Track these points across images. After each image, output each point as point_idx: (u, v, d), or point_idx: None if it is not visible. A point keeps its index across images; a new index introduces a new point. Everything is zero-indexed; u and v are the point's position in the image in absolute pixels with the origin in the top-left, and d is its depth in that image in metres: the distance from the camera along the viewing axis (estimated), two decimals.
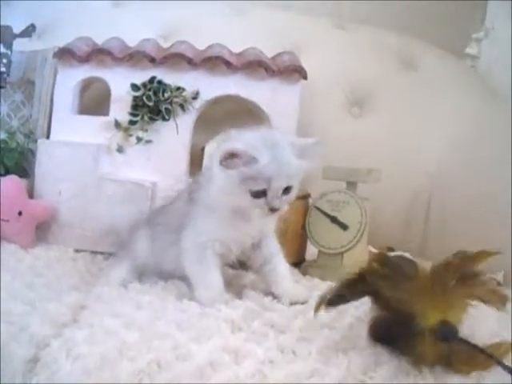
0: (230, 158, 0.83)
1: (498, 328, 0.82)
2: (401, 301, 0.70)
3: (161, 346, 0.71)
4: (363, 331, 0.80)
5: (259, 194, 0.85)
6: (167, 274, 1.02)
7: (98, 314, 0.83)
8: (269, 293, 0.95)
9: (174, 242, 0.97)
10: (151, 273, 1.03)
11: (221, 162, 0.84)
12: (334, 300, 0.75)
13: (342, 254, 1.12)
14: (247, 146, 0.84)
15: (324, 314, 0.86)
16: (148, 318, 0.81)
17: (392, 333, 0.72)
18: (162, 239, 1.01)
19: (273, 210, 0.86)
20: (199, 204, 0.94)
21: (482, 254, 0.73)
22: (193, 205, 0.95)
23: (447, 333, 0.68)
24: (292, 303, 0.92)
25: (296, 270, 1.16)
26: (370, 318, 0.76)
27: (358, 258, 1.15)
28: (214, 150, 0.92)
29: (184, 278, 0.97)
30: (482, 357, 0.68)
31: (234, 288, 0.99)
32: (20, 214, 1.18)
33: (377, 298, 0.74)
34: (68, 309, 0.84)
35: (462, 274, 0.72)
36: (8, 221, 1.17)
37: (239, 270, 1.06)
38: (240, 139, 0.87)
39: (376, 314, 0.75)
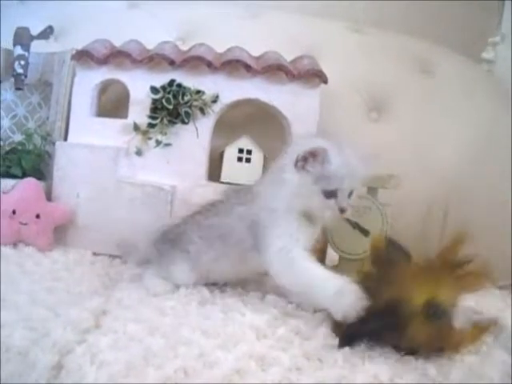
0: (307, 159, 0.87)
1: None
2: (390, 288, 0.75)
3: (187, 353, 0.70)
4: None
5: (330, 195, 0.88)
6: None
7: (121, 319, 0.81)
8: None
9: (227, 254, 0.96)
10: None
11: (296, 164, 0.88)
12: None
13: (362, 259, 1.10)
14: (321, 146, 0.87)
15: None
16: (172, 324, 0.80)
17: (375, 325, 0.75)
18: (213, 252, 0.97)
19: (342, 210, 0.89)
20: (262, 217, 0.93)
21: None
22: (253, 225, 0.93)
23: (435, 310, 0.72)
24: (316, 310, 0.90)
25: None
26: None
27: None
28: (281, 158, 0.95)
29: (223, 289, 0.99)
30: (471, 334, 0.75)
31: (256, 293, 0.98)
32: (38, 216, 1.18)
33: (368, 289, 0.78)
34: (90, 314, 0.82)
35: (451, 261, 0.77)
36: (26, 224, 1.17)
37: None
38: (312, 142, 0.89)
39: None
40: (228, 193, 1.04)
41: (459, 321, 0.75)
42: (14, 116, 1.43)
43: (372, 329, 0.75)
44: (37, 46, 1.44)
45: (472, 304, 1.02)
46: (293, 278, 0.88)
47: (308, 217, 0.91)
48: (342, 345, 0.76)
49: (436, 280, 0.75)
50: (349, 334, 0.76)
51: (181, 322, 0.80)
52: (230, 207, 0.99)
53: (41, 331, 0.75)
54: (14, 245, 1.16)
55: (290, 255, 0.88)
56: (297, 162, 0.88)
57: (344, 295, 0.79)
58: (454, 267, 0.77)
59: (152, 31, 1.56)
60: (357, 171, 0.89)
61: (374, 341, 0.76)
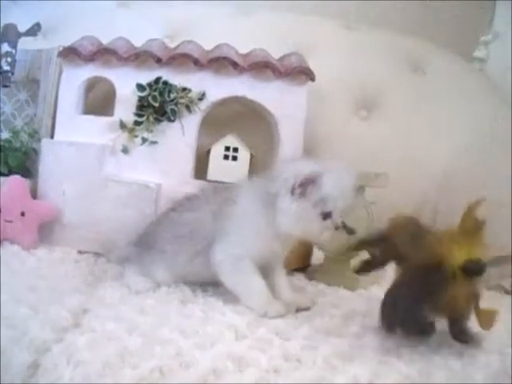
0: (305, 185, 0.87)
1: None
2: (427, 253, 0.76)
3: (163, 352, 0.69)
4: (371, 340, 0.79)
5: (327, 216, 0.89)
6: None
7: (101, 317, 0.81)
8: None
9: (198, 253, 0.96)
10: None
11: (293, 191, 0.88)
12: (361, 266, 0.85)
13: (348, 258, 1.10)
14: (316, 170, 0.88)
15: (330, 321, 0.86)
16: (151, 322, 0.79)
17: (418, 290, 0.76)
18: (186, 252, 0.97)
19: (337, 227, 0.91)
20: (231, 219, 0.93)
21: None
22: (222, 219, 0.94)
23: (475, 267, 0.74)
24: (297, 310, 0.92)
25: (302, 276, 1.15)
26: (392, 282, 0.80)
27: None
28: (269, 183, 0.93)
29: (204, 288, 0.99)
30: None
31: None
32: (23, 214, 1.17)
33: (401, 261, 0.80)
34: (70, 312, 0.82)
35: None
36: (11, 221, 1.16)
37: None
38: (302, 167, 0.90)
39: (399, 276, 0.80)
40: (205, 189, 1.04)
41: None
42: (2, 114, 1.42)
43: (412, 293, 0.76)
44: (26, 44, 1.43)
45: None
46: (234, 284, 0.92)
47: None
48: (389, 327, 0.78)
49: (470, 241, 0.77)
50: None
51: (160, 321, 0.79)
52: (204, 203, 0.99)
53: (20, 330, 0.74)
54: None
55: (240, 264, 0.92)
56: (293, 189, 0.88)
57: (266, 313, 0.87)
58: (478, 229, 0.79)
59: (142, 30, 1.56)
60: (347, 188, 0.91)
61: (413, 310, 0.77)
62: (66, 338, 0.74)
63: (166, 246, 0.99)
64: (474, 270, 0.74)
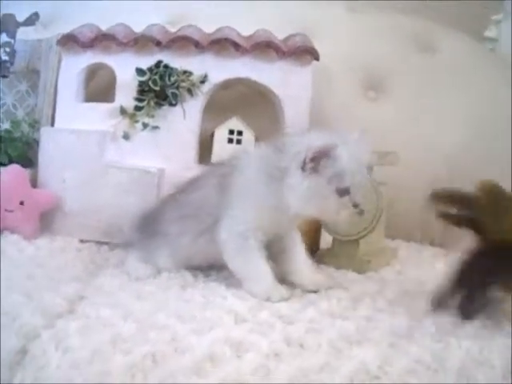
0: (318, 159, 0.79)
1: None
2: (508, 229, 0.73)
3: (158, 337, 0.66)
4: (381, 323, 0.75)
5: (344, 193, 0.81)
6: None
7: (96, 304, 0.78)
8: (283, 281, 0.89)
9: (203, 232, 0.91)
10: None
11: (304, 166, 0.80)
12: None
13: (357, 240, 1.06)
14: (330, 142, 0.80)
15: (337, 304, 0.82)
16: (148, 309, 0.76)
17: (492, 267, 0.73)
18: (191, 232, 0.93)
19: (356, 205, 0.82)
20: (235, 191, 0.88)
21: None
22: (226, 192, 0.89)
23: None
24: (315, 290, 0.89)
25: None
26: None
27: (374, 245, 1.10)
28: (283, 157, 0.84)
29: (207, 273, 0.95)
30: None
31: None
32: (22, 203, 1.15)
33: (480, 230, 0.76)
34: (64, 299, 0.80)
35: None
36: (12, 211, 1.14)
37: None
38: (314, 139, 0.82)
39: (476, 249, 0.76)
40: (208, 167, 1.01)
41: None
42: (3, 105, 1.41)
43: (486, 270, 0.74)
44: (26, 34, 1.42)
45: None
46: (237, 265, 0.88)
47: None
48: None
49: None
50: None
51: (157, 307, 0.77)
52: (205, 179, 0.95)
53: (11, 316, 0.72)
54: None
55: (244, 245, 0.87)
56: (304, 164, 0.80)
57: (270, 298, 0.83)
58: None
59: (142, 17, 1.52)
60: (363, 160, 0.83)
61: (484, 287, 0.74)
62: (57, 325, 0.71)
63: (170, 227, 0.95)
64: None
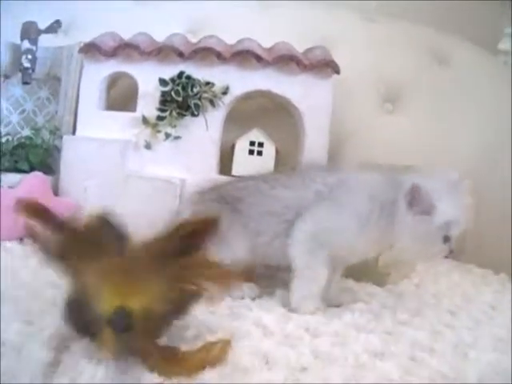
0: (431, 204, 0.79)
1: None
2: (89, 280, 0.59)
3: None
4: (402, 336, 0.76)
5: (447, 239, 0.82)
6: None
7: None
8: None
9: (281, 233, 0.88)
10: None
11: (418, 207, 0.80)
12: None
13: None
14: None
15: (360, 317, 0.83)
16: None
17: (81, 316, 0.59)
18: (267, 232, 0.89)
19: (451, 252, 0.84)
20: (339, 205, 0.85)
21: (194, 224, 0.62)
22: (327, 202, 0.86)
23: (118, 322, 0.56)
24: (338, 305, 0.89)
25: None
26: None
27: (394, 258, 1.10)
28: (394, 191, 0.84)
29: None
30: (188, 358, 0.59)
31: (267, 288, 0.94)
32: None
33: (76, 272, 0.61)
34: None
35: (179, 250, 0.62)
36: None
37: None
38: (429, 179, 0.83)
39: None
40: (310, 166, 0.99)
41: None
42: (23, 111, 1.42)
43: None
44: (47, 42, 1.43)
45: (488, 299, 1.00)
46: (302, 265, 0.85)
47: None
48: None
49: (143, 281, 0.59)
50: None
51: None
52: (308, 182, 0.89)
53: (37, 325, 0.71)
54: (20, 240, 1.13)
55: (318, 252, 0.85)
56: (418, 204, 0.80)
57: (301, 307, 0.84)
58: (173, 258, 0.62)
59: (163, 25, 1.54)
60: (466, 209, 0.83)
61: None
62: None
63: (249, 221, 0.90)
64: (116, 325, 0.56)
